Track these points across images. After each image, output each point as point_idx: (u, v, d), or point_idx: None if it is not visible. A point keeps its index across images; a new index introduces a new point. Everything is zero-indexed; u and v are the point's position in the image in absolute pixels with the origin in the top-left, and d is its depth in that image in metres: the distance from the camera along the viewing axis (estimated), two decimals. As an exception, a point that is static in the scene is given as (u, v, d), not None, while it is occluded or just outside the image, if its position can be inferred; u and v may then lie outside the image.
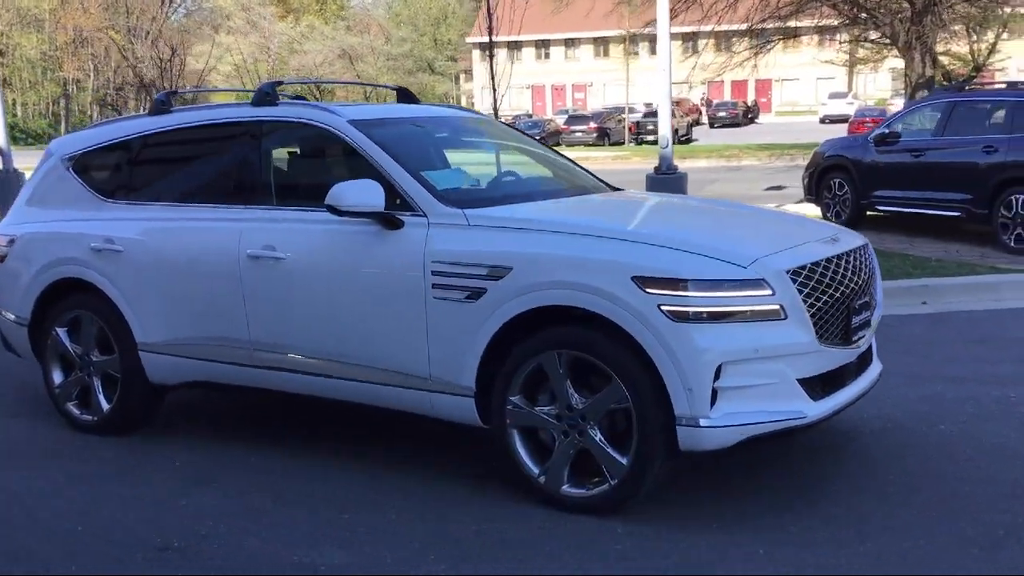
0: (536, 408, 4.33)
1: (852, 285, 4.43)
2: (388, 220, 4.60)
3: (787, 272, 4.09)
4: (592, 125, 45.18)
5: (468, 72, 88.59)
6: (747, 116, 56.48)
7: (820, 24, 30.04)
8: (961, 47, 33.16)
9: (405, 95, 6.19)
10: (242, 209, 5.12)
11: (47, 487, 4.88)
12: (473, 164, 5.54)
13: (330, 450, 5.25)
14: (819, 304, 4.17)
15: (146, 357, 5.43)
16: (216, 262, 5.10)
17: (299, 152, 5.47)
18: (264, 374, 5.07)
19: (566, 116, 49.76)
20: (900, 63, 38.85)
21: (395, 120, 5.34)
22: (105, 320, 5.54)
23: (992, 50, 32.10)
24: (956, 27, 27.22)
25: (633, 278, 4.01)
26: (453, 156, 5.50)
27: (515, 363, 4.33)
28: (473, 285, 4.35)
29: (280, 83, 5.43)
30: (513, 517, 4.29)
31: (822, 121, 53.45)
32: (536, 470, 4.36)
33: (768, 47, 31.00)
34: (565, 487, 4.29)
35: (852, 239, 4.74)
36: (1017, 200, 10.84)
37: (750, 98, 63.01)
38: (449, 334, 4.44)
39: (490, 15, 15.26)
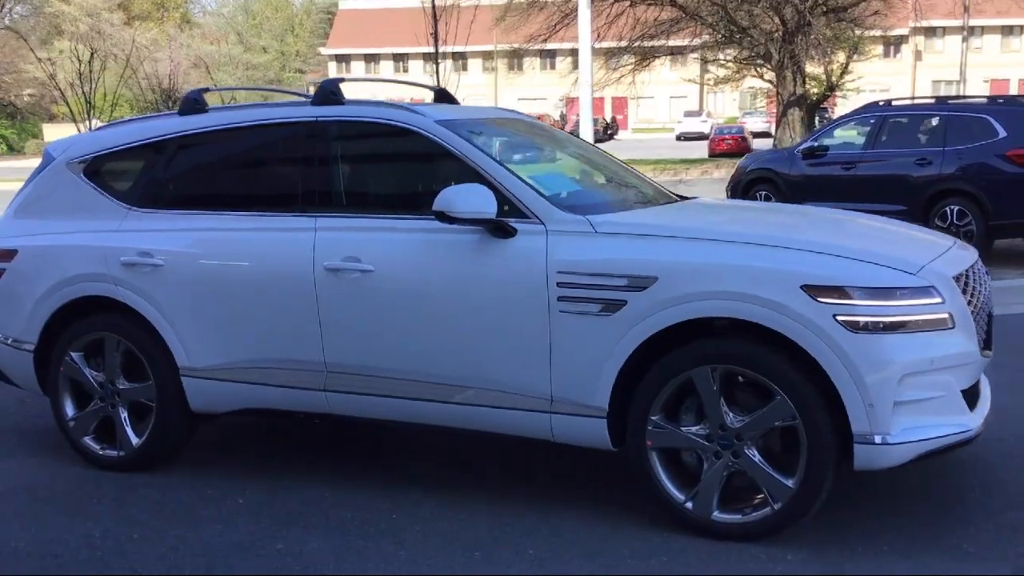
0: (682, 428, 4.04)
1: (986, 291, 4.34)
2: (500, 228, 4.23)
3: (952, 278, 3.95)
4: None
5: (316, 84, 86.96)
6: (607, 132, 57.39)
7: (695, 43, 30.83)
8: (816, 68, 34.50)
9: (444, 96, 5.80)
10: (312, 217, 4.63)
11: (109, 534, 4.27)
12: (550, 169, 5.20)
13: (410, 479, 4.81)
14: (972, 312, 4.04)
15: (190, 383, 4.86)
16: (284, 276, 4.59)
17: (377, 155, 5.00)
18: (340, 399, 4.59)
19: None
20: (756, 82, 40.40)
21: (478, 121, 4.95)
22: (137, 343, 4.94)
23: (844, 70, 33.50)
24: (816, 50, 28.26)
25: (803, 287, 3.77)
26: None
27: (658, 379, 4.02)
28: (610, 297, 4.03)
29: (341, 80, 4.96)
30: (668, 548, 3.97)
31: (679, 138, 54.93)
32: (680, 495, 4.07)
33: (645, 64, 31.58)
34: (716, 513, 4.01)
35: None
36: (951, 211, 11.21)
37: (607, 115, 64.12)
38: (578, 350, 4.10)
39: (436, 20, 14.85)
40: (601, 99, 69.08)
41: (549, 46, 31.96)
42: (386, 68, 69.94)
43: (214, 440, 5.53)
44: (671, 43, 31.60)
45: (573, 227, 4.19)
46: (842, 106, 50.32)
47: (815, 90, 31.89)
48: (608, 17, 28.51)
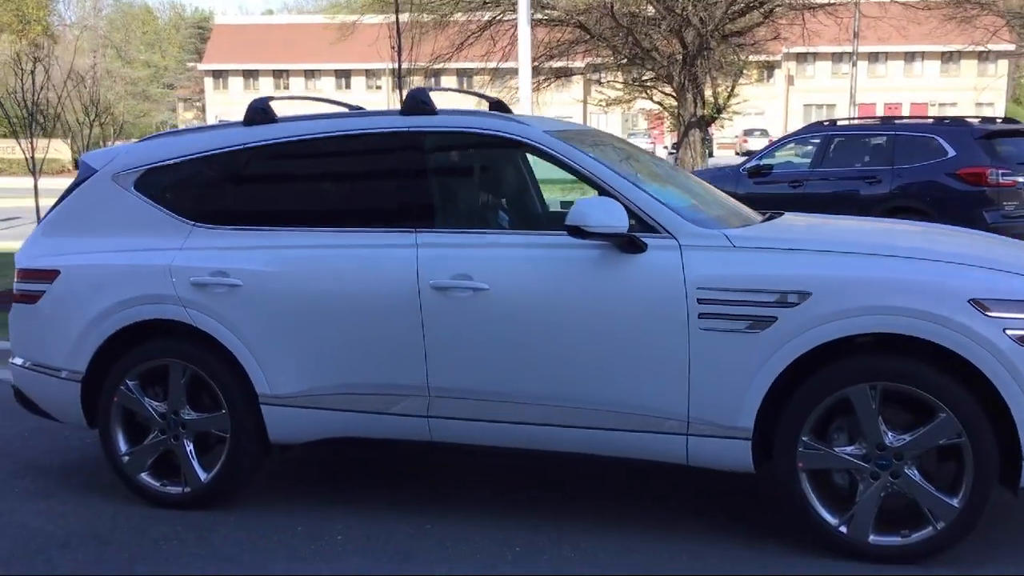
0: (835, 448, 3.92)
1: None
2: (631, 243, 4.04)
3: None
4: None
5: (187, 100, 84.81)
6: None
7: (598, 63, 31.18)
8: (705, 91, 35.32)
9: (499, 107, 5.58)
10: (410, 233, 4.35)
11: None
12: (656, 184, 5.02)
13: (507, 504, 4.55)
14: None
15: (272, 412, 4.49)
16: (383, 295, 4.30)
17: (482, 167, 4.74)
18: (445, 425, 4.31)
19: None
20: (646, 104, 41.13)
21: (580, 133, 4.75)
22: (207, 370, 4.55)
23: (731, 93, 34.47)
24: (716, 72, 28.97)
25: (971, 301, 3.71)
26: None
27: (810, 398, 3.89)
28: (758, 313, 3.88)
29: (430, 89, 4.70)
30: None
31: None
32: (833, 519, 3.94)
33: (547, 84, 31.77)
34: (873, 536, 3.90)
35: None
36: (902, 228, 11.51)
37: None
38: (721, 369, 3.94)
39: (399, 36, 14.52)
40: (485, 119, 69.49)
41: (452, 65, 31.82)
42: (265, 84, 68.51)
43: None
44: (573, 64, 31.94)
45: (709, 241, 4.04)
46: (725, 129, 51.86)
47: (703, 111, 32.71)
48: (512, 38, 28.53)
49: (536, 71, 31.38)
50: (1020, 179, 11.14)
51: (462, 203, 4.57)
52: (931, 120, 12.66)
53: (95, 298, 4.68)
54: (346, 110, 5.05)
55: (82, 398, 4.76)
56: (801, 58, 61.75)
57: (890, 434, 3.85)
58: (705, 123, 30.71)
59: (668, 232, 4.07)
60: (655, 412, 4.03)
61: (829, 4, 28.87)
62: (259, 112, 4.78)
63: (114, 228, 4.81)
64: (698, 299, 3.94)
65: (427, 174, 4.46)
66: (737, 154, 49.47)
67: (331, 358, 4.39)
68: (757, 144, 49.09)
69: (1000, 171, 11.01)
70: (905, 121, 12.82)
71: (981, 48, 35.50)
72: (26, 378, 4.94)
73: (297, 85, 68.83)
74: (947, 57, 60.88)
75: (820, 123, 13.41)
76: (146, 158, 4.86)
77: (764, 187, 13.06)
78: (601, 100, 39.27)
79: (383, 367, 4.34)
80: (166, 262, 4.60)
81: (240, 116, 4.90)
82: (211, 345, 4.55)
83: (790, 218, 4.93)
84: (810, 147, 12.93)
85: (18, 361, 4.96)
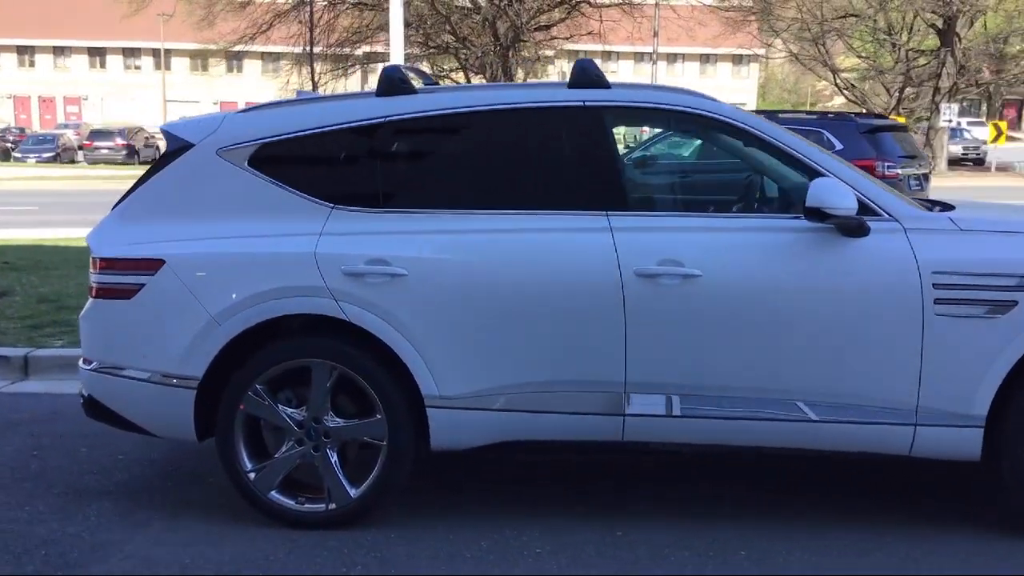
0: None
1: None
2: (860, 227, 3.88)
3: None
4: (119, 141, 41.58)
5: None
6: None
7: (408, 52, 30.71)
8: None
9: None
10: (600, 216, 4.02)
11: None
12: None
13: (682, 501, 4.31)
14: None
15: (438, 416, 4.03)
16: (578, 283, 3.94)
17: (665, 145, 4.43)
18: (642, 424, 4.02)
19: (89, 131, 45.07)
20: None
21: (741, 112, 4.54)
22: (361, 370, 4.02)
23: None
24: (529, 64, 29.35)
25: None
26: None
27: None
28: (997, 298, 3.83)
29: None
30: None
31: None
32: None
33: (352, 70, 31.15)
34: None
35: None
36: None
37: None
38: (956, 356, 3.86)
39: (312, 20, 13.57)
40: (234, 103, 66.98)
41: (256, 48, 30.53)
42: (7, 61, 63.05)
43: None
44: (372, 50, 31.36)
45: (934, 225, 3.97)
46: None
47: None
48: (327, 23, 27.70)
49: (341, 58, 30.67)
50: (901, 172, 11.86)
51: (652, 183, 4.30)
52: (816, 115, 13.23)
53: (218, 292, 4.04)
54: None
55: (195, 407, 4.11)
56: (606, 56, 63.62)
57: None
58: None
59: (890, 215, 3.96)
60: (881, 402, 3.91)
61: (627, 3, 29.87)
62: (395, 82, 4.28)
63: (226, 211, 4.17)
64: (934, 284, 3.85)
65: (612, 152, 4.14)
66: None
67: (512, 354, 3.99)
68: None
69: (886, 163, 11.66)
70: (790, 115, 13.33)
71: (743, 51, 37.82)
72: (109, 387, 4.21)
73: (45, 63, 63.74)
74: (737, 59, 64.40)
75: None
76: (260, 131, 4.23)
77: (650, 178, 13.27)
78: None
79: (574, 362, 3.98)
80: (308, 249, 4.03)
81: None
82: (366, 342, 4.03)
83: (968, 203, 4.91)
84: (697, 140, 13.23)
85: (96, 367, 4.22)
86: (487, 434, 4.06)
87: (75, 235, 13.10)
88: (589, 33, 29.43)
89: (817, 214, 3.83)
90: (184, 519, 4.23)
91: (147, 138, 43.64)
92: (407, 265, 3.97)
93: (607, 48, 33.80)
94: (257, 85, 57.39)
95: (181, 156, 4.24)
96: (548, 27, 29.08)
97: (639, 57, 59.90)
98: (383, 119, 4.19)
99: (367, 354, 4.03)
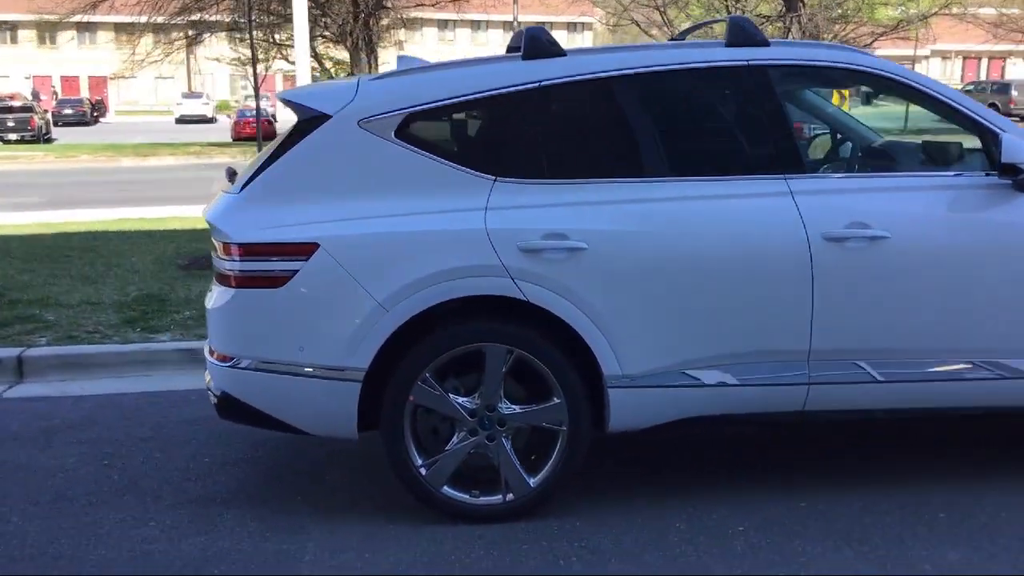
0: None
1: None
2: None
3: None
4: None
5: None
6: (94, 114, 52.62)
7: (258, 20, 29.46)
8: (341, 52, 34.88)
9: None
10: (779, 180, 3.89)
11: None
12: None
13: (897, 470, 4.29)
14: None
15: (619, 396, 3.86)
16: (766, 249, 3.83)
17: (827, 104, 4.32)
18: (826, 392, 3.93)
19: None
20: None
21: None
22: (538, 352, 3.80)
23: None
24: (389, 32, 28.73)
25: None
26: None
27: None
28: None
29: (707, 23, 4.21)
30: None
31: (179, 121, 52.18)
32: None
33: (200, 39, 29.77)
34: None
35: None
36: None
37: (83, 94, 58.83)
38: None
39: None
40: (76, 78, 63.37)
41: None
42: None
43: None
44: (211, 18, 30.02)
45: None
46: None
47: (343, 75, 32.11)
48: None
49: (168, 28, 29.20)
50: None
51: (824, 144, 4.20)
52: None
53: (384, 275, 3.73)
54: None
55: (360, 400, 3.79)
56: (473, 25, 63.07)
57: None
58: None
59: None
60: None
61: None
62: (544, 44, 4.04)
63: (375, 187, 3.84)
64: None
65: (783, 113, 4.03)
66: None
67: (696, 327, 3.85)
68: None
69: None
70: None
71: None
72: (256, 384, 3.83)
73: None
74: (572, 27, 64.93)
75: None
76: (403, 100, 3.91)
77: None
78: (235, 59, 37.42)
79: (759, 332, 3.88)
80: (478, 225, 3.77)
81: None
82: (544, 322, 3.82)
83: None
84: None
85: (239, 363, 3.84)
86: (667, 412, 3.92)
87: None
88: (454, 0, 29.04)
89: (1012, 170, 3.84)
90: (338, 523, 3.93)
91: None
92: (587, 238, 3.77)
93: (464, 16, 33.44)
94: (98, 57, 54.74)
95: (317, 129, 3.88)
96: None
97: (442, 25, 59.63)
98: (537, 84, 3.94)
99: (545, 335, 3.81)
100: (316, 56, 29.29)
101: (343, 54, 30.74)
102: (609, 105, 4.05)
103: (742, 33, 4.08)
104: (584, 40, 66.93)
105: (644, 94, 4.07)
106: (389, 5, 26.79)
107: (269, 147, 4.25)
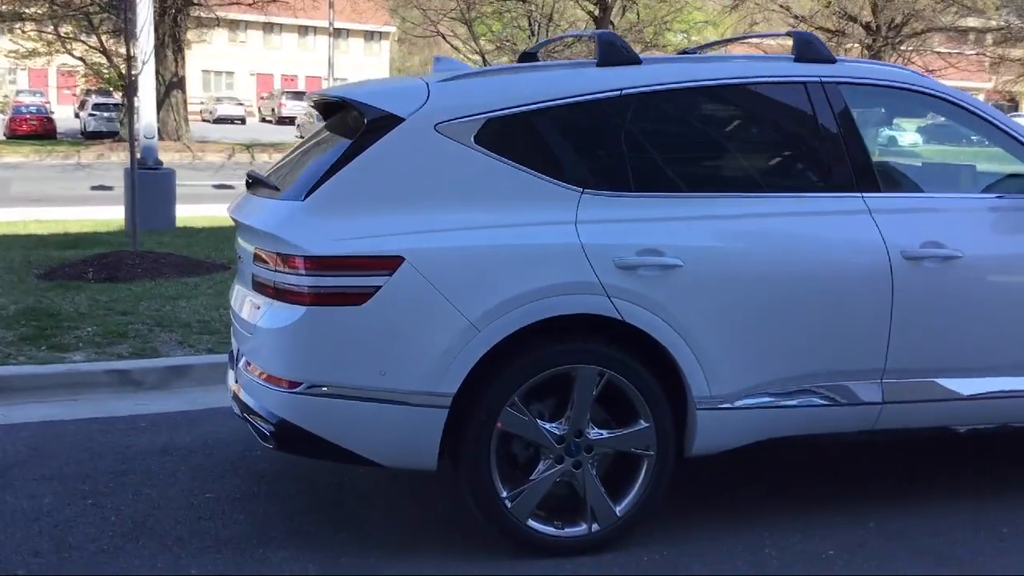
0: None
1: None
2: None
3: None
4: None
5: None
6: None
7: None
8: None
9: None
10: (856, 197, 3.87)
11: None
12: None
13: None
14: None
15: (707, 418, 3.72)
16: (852, 268, 3.80)
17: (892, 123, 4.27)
18: (898, 410, 3.94)
19: None
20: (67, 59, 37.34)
21: None
22: (629, 374, 3.61)
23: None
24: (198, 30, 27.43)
25: None
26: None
27: None
28: None
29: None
30: None
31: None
32: None
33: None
34: None
35: None
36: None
37: None
38: None
39: None
40: None
41: None
42: None
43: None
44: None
45: None
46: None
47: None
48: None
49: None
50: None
51: (896, 162, 4.20)
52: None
53: (476, 293, 3.43)
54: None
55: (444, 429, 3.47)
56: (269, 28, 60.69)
57: None
58: (178, 84, 28.71)
59: None
60: None
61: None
62: (623, 52, 3.85)
63: (455, 197, 3.54)
64: None
65: (858, 130, 4.00)
66: (205, 120, 47.30)
67: (783, 345, 3.76)
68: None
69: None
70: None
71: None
72: (325, 411, 3.43)
73: None
74: (369, 36, 63.88)
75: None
76: (481, 104, 3.63)
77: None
78: (12, 52, 34.79)
79: (840, 350, 3.84)
80: (571, 240, 3.53)
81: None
82: (636, 343, 3.62)
83: None
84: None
85: (306, 388, 3.43)
86: (750, 433, 3.82)
87: None
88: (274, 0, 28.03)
89: None
90: (409, 556, 3.57)
91: None
92: (682, 255, 3.61)
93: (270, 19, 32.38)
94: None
95: (390, 132, 3.53)
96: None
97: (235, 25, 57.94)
98: (619, 92, 3.76)
99: (637, 356, 3.62)
100: (105, 52, 27.55)
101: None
102: (688, 116, 3.94)
103: (807, 48, 4.04)
104: (382, 49, 66.42)
105: (724, 107, 4.01)
106: (198, 2, 25.54)
107: (313, 149, 3.86)
